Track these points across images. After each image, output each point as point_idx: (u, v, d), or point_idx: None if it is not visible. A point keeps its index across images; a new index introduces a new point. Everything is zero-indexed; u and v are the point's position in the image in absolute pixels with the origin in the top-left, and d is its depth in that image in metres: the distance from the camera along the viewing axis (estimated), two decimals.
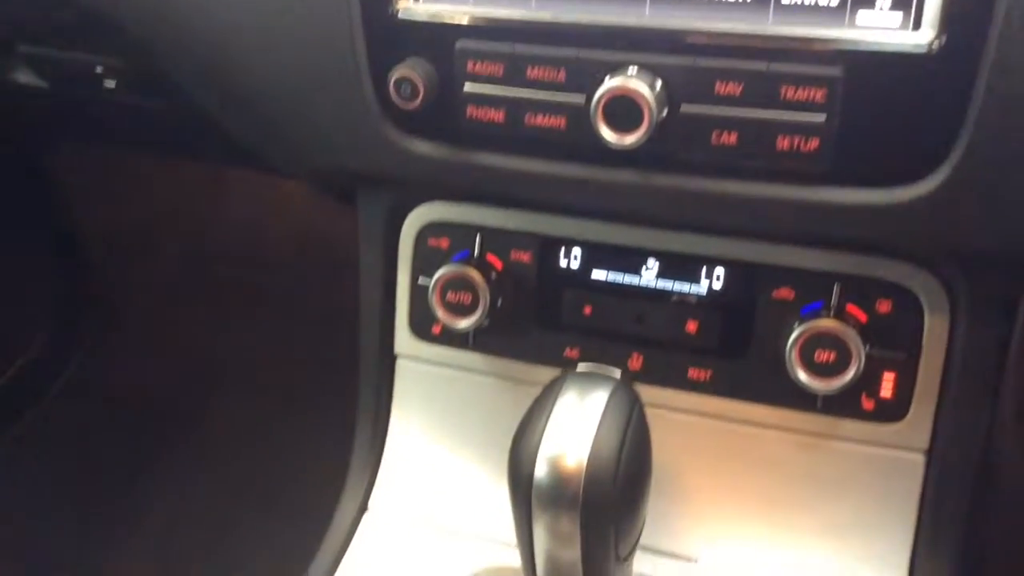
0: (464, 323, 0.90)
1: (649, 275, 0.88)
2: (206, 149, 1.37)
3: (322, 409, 1.42)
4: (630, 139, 0.71)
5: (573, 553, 0.69)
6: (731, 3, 0.71)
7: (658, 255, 0.88)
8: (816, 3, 0.69)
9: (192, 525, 1.65)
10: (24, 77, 1.22)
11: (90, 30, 1.05)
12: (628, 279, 0.89)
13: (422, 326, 0.97)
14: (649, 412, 0.84)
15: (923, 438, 0.84)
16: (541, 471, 0.67)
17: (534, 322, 0.92)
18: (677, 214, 0.81)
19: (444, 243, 0.94)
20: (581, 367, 0.73)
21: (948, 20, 0.66)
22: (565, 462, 0.66)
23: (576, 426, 0.68)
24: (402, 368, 1.00)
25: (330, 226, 1.75)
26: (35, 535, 1.67)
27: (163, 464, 1.72)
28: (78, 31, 1.09)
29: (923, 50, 0.67)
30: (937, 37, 0.66)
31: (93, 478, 1.77)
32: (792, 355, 0.80)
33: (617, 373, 0.72)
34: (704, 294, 0.87)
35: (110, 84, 1.13)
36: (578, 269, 0.90)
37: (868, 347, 0.80)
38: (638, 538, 0.73)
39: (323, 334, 1.64)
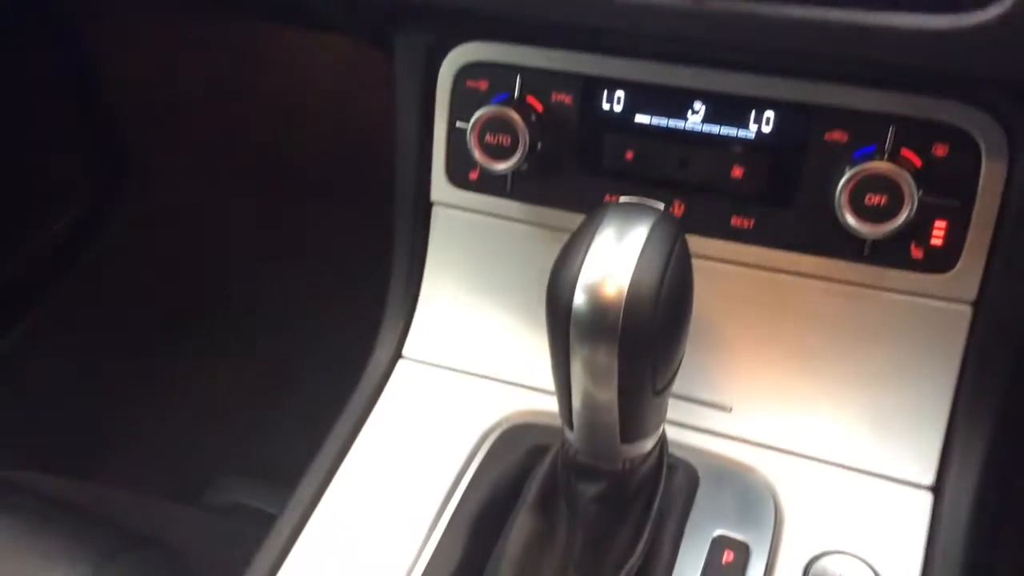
0: (502, 166, 0.88)
1: (695, 118, 0.86)
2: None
3: (358, 269, 1.42)
4: None
5: (610, 387, 0.68)
6: None
7: (705, 97, 0.85)
8: None
9: (229, 379, 1.67)
10: None
11: None
12: (673, 123, 0.86)
13: (459, 172, 0.95)
14: None
15: (971, 289, 0.82)
16: (580, 299, 0.65)
17: (574, 167, 0.90)
18: (729, 42, 0.77)
19: (483, 85, 0.91)
20: (624, 199, 0.71)
21: None
22: (605, 290, 0.65)
23: (617, 254, 0.66)
24: (438, 216, 0.99)
25: (365, 96, 1.72)
26: (70, 400, 1.70)
27: (198, 329, 1.74)
28: None
29: None
30: None
31: (132, 342, 1.80)
32: (842, 198, 0.78)
33: (660, 205, 0.70)
34: (752, 138, 0.84)
35: None
36: (621, 111, 0.88)
37: (921, 192, 0.77)
38: (675, 372, 0.72)
39: (358, 203, 1.63)
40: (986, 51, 0.68)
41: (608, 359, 0.66)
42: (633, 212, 0.69)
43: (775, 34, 0.73)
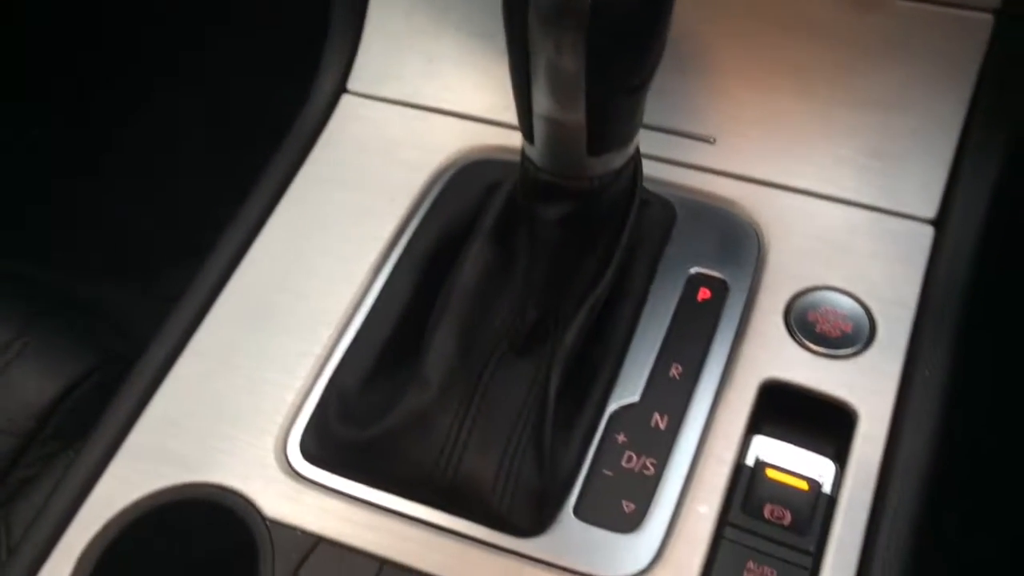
0: None
1: None
2: None
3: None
4: None
5: (576, 83, 0.57)
6: None
7: None
8: None
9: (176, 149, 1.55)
10: None
11: None
12: None
13: None
14: None
15: None
16: None
17: None
18: None
19: None
20: None
21: None
22: None
23: None
24: None
25: None
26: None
27: (139, 98, 1.60)
28: None
29: None
30: None
31: (67, 112, 1.66)
32: None
33: None
34: None
35: None
36: None
37: None
38: (654, 66, 0.61)
39: None
40: None
41: (574, 46, 0.55)
42: None
43: None
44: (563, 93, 0.59)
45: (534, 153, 0.65)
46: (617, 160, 0.65)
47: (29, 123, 1.56)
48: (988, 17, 0.72)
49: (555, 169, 0.65)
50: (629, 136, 0.65)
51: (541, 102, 0.60)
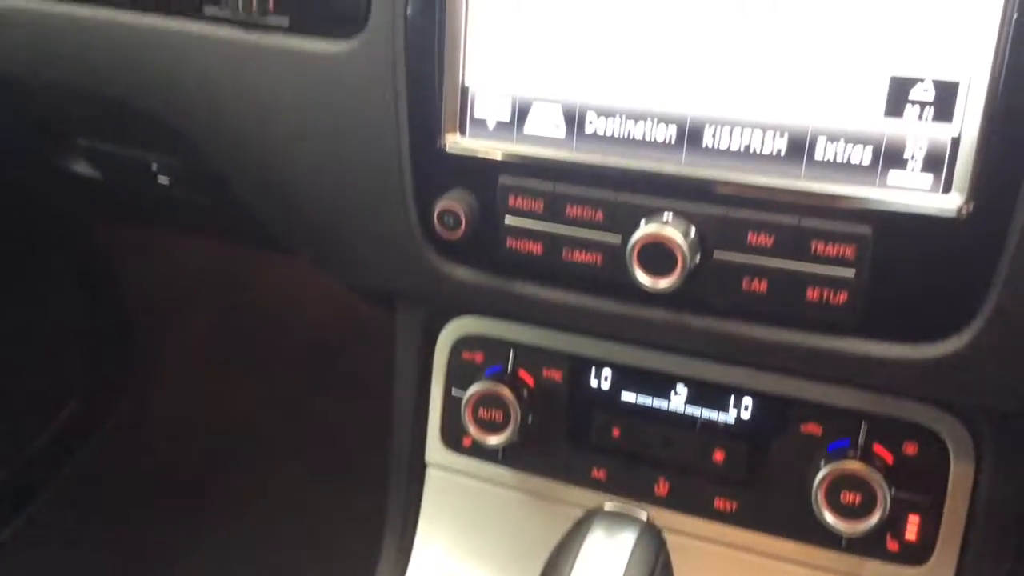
0: (495, 440, 0.92)
1: (678, 400, 0.90)
2: (252, 240, 1.42)
3: (353, 490, 1.42)
4: (664, 283, 0.73)
5: None
6: (765, 156, 0.73)
7: (687, 381, 0.89)
8: (848, 161, 0.71)
9: None
10: (80, 168, 1.26)
11: (148, 129, 1.09)
12: (657, 403, 0.91)
13: (453, 437, 0.99)
14: (673, 539, 0.85)
15: None
16: None
17: (563, 441, 0.94)
18: (707, 352, 0.83)
19: (478, 357, 0.96)
20: (608, 506, 0.74)
21: (978, 185, 0.67)
22: None
23: (602, 571, 0.68)
24: (432, 478, 1.02)
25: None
26: None
27: (188, 546, 1.73)
28: (137, 128, 1.13)
29: (952, 214, 0.68)
30: (966, 202, 0.68)
31: (123, 556, 1.78)
32: (818, 496, 0.81)
33: (643, 515, 0.73)
34: (732, 423, 0.88)
35: (164, 181, 1.17)
36: (608, 390, 0.92)
37: (894, 490, 0.80)
38: None
39: (361, 407, 1.65)
40: (946, 380, 0.73)
41: None
42: (617, 524, 0.71)
43: (747, 350, 0.78)
44: None
45: None
46: None
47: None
48: None
49: None
50: None
51: None
